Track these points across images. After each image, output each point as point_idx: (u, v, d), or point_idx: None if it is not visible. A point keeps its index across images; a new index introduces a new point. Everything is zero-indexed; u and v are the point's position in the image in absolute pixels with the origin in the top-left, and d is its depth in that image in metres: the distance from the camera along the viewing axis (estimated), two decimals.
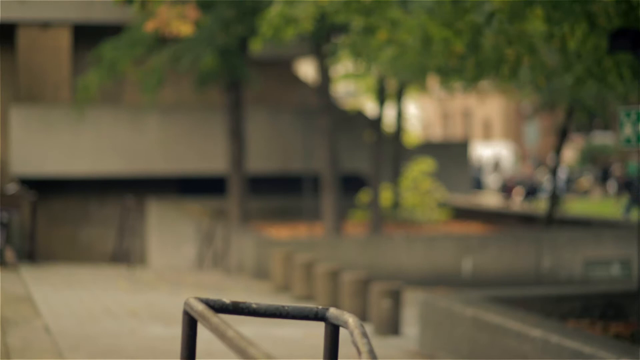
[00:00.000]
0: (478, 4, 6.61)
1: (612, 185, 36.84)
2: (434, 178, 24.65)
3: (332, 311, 4.26)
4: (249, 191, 22.40)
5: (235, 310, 4.43)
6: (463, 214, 23.94)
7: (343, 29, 19.56)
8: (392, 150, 23.42)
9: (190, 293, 14.34)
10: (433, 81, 19.02)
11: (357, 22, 11.84)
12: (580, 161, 51.89)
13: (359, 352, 4.06)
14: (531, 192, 34.96)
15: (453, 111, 69.71)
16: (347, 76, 25.01)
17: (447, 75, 12.83)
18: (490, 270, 17.40)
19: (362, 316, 12.61)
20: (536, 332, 8.52)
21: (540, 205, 31.36)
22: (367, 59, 14.76)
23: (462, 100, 22.85)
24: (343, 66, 22.49)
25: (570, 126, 19.56)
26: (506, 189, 35.55)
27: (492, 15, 6.61)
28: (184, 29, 18.04)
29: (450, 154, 27.51)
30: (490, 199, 37.71)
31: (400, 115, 23.87)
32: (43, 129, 24.91)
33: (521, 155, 51.83)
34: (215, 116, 25.13)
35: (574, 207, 30.80)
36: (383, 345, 11.21)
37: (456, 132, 70.63)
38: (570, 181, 46.10)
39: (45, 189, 25.85)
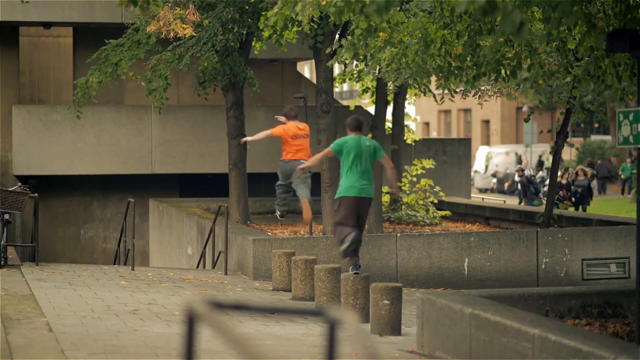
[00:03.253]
0: (507, 13, 6.56)
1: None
2: (435, 177, 24.69)
3: (332, 310, 4.33)
4: (249, 191, 22.45)
5: (235, 309, 4.50)
6: (462, 212, 23.99)
7: (345, 29, 19.62)
8: (392, 149, 23.46)
9: (190, 292, 14.40)
10: (433, 82, 19.07)
11: (361, 25, 11.90)
12: (577, 162, 51.96)
13: (359, 351, 4.13)
14: (585, 196, 31.30)
15: (452, 111, 69.71)
16: (343, 75, 25.00)
17: (446, 76, 12.88)
18: (489, 269, 17.46)
19: (362, 316, 12.67)
20: (535, 331, 8.59)
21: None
22: (366, 59, 14.80)
23: (461, 100, 22.75)
24: (342, 66, 22.50)
25: (568, 127, 19.59)
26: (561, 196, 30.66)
27: (522, 25, 6.58)
28: (184, 30, 18.12)
29: (451, 153, 27.56)
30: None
31: (400, 115, 23.91)
32: (45, 129, 24.98)
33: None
34: (215, 116, 25.19)
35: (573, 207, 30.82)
36: (383, 344, 11.27)
37: (455, 132, 70.64)
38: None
39: (47, 188, 25.92)
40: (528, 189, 33.33)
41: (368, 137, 13.33)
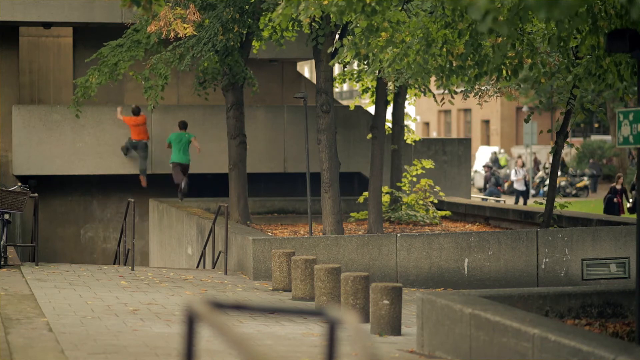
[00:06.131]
0: (472, 2, 6.62)
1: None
2: (434, 177, 24.68)
3: (332, 310, 4.32)
4: (249, 191, 22.45)
5: (235, 309, 4.49)
6: (462, 212, 24.00)
7: (345, 29, 19.62)
8: (392, 149, 23.46)
9: (190, 292, 14.40)
10: (433, 82, 19.09)
11: (361, 24, 11.89)
12: (577, 162, 51.94)
13: (359, 351, 4.13)
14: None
15: (452, 111, 69.71)
16: (343, 75, 24.99)
17: (447, 75, 12.87)
18: (489, 269, 17.46)
19: (362, 316, 12.67)
20: (535, 331, 8.59)
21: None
22: (368, 59, 14.78)
23: (461, 101, 22.82)
24: (343, 66, 22.49)
25: (568, 127, 19.58)
26: (611, 203, 28.86)
27: (487, 13, 6.63)
28: (185, 30, 18.10)
29: (451, 153, 27.55)
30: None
31: (400, 115, 23.90)
32: (45, 129, 24.97)
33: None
34: (215, 116, 25.19)
35: (572, 206, 30.76)
36: (383, 344, 11.27)
37: (455, 132, 70.63)
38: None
39: (47, 188, 25.91)
40: (489, 181, 35.02)
41: (187, 132, 23.50)
